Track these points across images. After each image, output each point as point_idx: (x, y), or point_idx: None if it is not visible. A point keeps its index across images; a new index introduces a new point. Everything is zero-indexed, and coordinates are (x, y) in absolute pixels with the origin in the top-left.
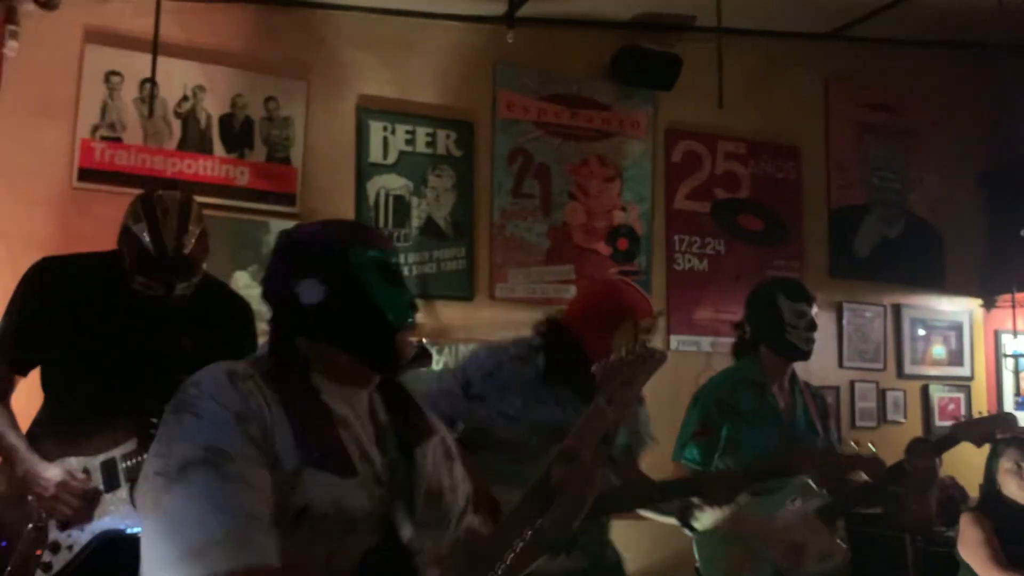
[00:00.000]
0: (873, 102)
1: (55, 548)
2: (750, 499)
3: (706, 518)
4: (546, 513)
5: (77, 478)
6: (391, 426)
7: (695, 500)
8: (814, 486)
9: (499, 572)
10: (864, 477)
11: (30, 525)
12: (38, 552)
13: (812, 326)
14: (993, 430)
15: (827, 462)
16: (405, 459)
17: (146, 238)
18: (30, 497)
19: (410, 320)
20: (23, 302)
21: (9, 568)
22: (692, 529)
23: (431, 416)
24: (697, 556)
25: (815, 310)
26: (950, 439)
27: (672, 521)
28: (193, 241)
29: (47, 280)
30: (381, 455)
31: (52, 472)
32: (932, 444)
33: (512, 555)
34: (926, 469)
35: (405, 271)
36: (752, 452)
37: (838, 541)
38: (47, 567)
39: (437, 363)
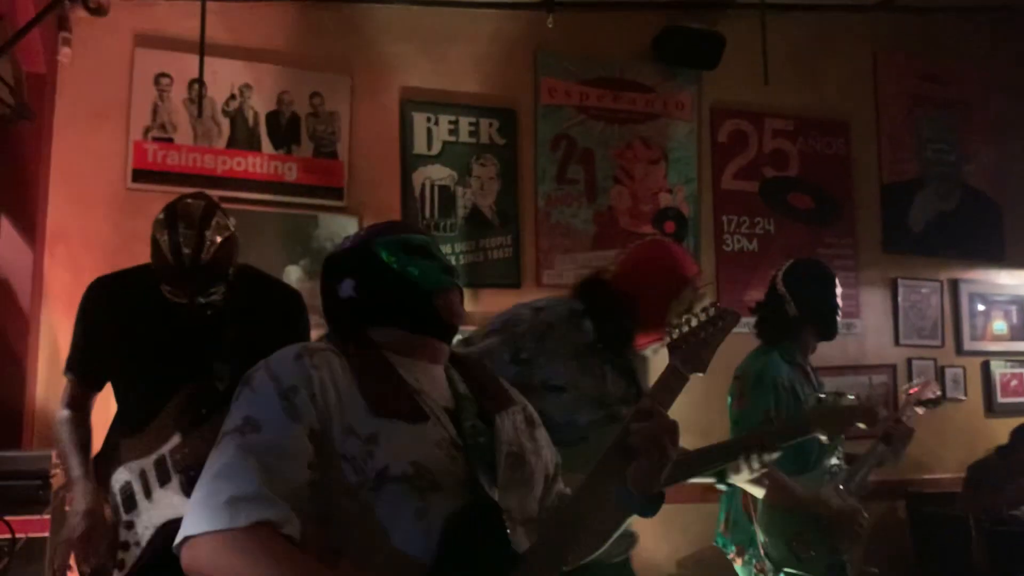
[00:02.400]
0: (924, 73)
1: (125, 546)
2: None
3: (740, 476)
4: (628, 470)
5: (96, 531)
6: (470, 396)
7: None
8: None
9: (588, 531)
10: (861, 427)
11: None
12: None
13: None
14: None
15: (832, 417)
16: (486, 426)
17: (166, 248)
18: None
19: (444, 282)
20: (82, 324)
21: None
22: (728, 485)
23: (511, 388)
24: (761, 534)
25: None
26: None
27: (709, 480)
28: (212, 250)
29: (95, 301)
30: (462, 422)
31: (76, 520)
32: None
33: (600, 514)
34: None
35: (452, 260)
36: None
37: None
38: (121, 565)
39: None
